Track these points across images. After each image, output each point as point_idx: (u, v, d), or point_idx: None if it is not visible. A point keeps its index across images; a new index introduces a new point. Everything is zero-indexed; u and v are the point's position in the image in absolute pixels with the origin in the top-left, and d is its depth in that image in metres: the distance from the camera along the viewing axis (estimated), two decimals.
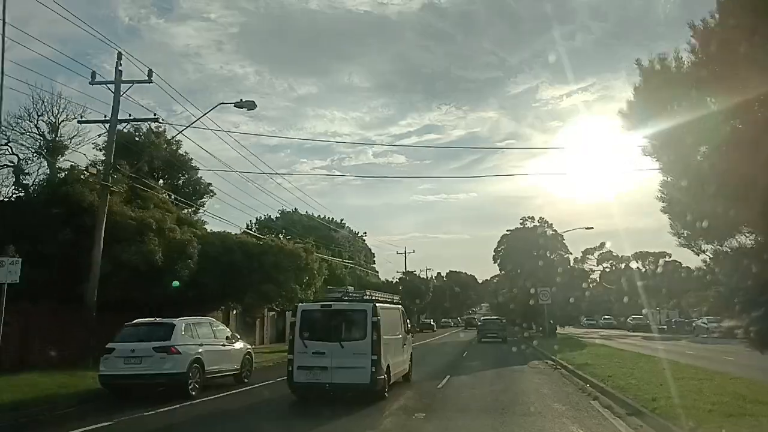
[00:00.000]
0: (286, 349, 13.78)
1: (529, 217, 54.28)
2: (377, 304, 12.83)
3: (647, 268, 67.41)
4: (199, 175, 31.40)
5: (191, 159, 30.29)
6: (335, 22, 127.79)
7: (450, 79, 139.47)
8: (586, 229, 49.34)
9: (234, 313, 32.89)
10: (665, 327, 63.96)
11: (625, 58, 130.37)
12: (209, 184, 31.76)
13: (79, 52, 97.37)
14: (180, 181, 31.28)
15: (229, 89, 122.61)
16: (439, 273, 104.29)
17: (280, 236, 49.53)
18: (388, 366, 12.80)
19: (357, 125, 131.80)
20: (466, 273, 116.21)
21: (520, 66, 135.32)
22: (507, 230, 52.64)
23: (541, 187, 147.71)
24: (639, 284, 63.43)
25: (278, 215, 65.83)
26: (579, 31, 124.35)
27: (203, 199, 32.15)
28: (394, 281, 65.35)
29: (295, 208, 66.04)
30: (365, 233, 72.86)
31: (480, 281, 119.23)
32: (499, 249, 59.95)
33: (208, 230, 27.70)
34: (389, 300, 15.52)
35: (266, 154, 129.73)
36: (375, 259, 77.83)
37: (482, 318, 57.57)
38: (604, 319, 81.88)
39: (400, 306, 15.89)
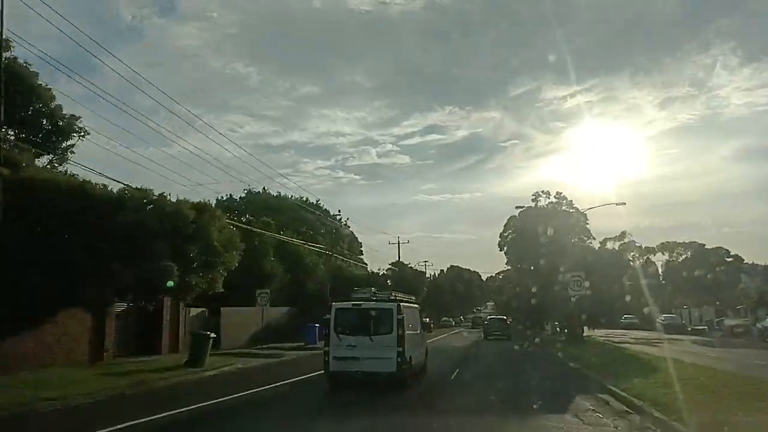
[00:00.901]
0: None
1: (543, 191, 43.42)
2: (401, 304, 14.36)
3: (685, 257, 56.18)
4: (57, 103, 21.02)
5: (37, 73, 19.90)
6: (337, 21, 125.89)
7: (452, 80, 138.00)
8: (617, 205, 38.36)
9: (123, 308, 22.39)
10: (705, 328, 53.21)
11: (628, 59, 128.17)
12: (76, 117, 21.39)
13: None
14: (29, 112, 20.91)
15: (231, 89, 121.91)
16: (442, 270, 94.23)
17: (242, 219, 39.47)
18: (410, 357, 14.30)
19: (359, 125, 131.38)
20: (469, 269, 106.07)
21: (522, 67, 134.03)
22: (516, 207, 41.54)
23: (547, 187, 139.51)
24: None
25: (243, 195, 55.65)
26: (581, 32, 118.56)
27: (71, 141, 21.78)
28: (381, 273, 54.87)
29: (264, 187, 56.07)
30: (339, 212, 62.02)
31: (484, 278, 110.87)
32: (505, 233, 49.20)
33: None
34: (409, 300, 16.47)
35: (269, 154, 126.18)
36: (362, 249, 67.36)
37: (488, 317, 57.54)
38: (625, 318, 70.96)
39: (417, 305, 17.72)
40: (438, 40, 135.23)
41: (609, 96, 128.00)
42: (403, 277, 53.47)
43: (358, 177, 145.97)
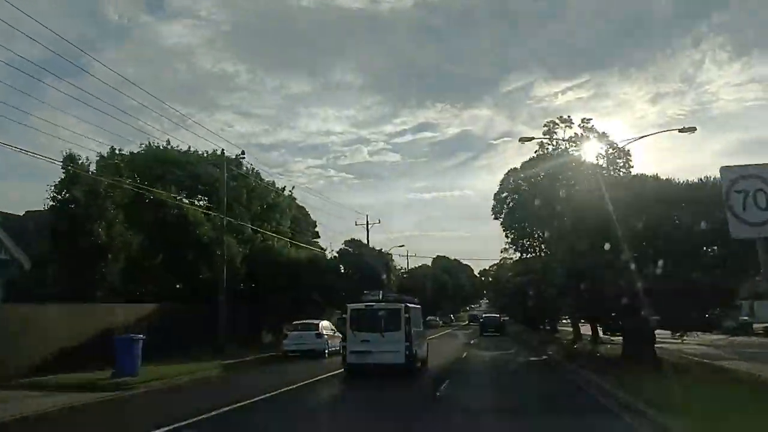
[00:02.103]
0: None
1: (561, 118, 28.25)
2: (407, 304, 16.96)
3: None
4: None
5: None
6: (328, 20, 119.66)
7: (444, 77, 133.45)
8: (681, 131, 23.00)
9: None
10: None
11: (618, 54, 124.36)
12: None
13: None
14: None
15: (220, 87, 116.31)
16: (425, 265, 79.12)
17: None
18: (416, 351, 16.72)
19: (350, 124, 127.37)
20: (459, 260, 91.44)
21: (514, 63, 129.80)
22: (521, 139, 25.84)
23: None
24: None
25: (142, 149, 40.29)
26: (572, 29, 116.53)
27: None
28: (331, 255, 39.84)
29: (168, 141, 40.87)
30: (254, 163, 46.51)
31: (477, 273, 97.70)
32: (502, 194, 34.08)
33: None
34: (413, 301, 19.02)
35: (260, 153, 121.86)
36: (317, 229, 51.96)
37: (483, 315, 61.14)
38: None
39: (420, 306, 19.62)
40: (429, 37, 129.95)
41: (600, 92, 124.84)
42: (362, 260, 38.39)
43: (349, 176, 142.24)
